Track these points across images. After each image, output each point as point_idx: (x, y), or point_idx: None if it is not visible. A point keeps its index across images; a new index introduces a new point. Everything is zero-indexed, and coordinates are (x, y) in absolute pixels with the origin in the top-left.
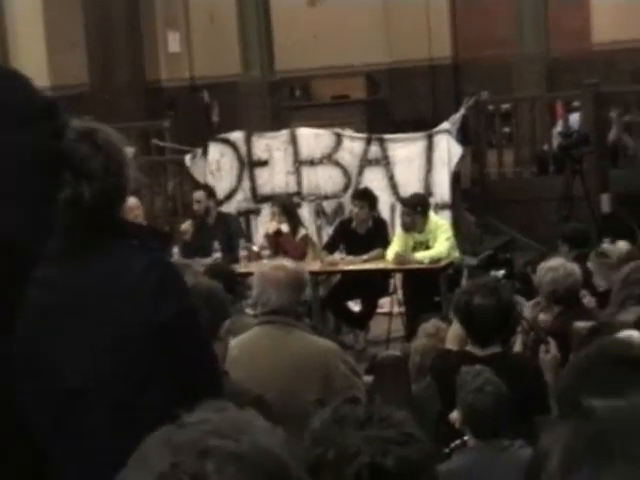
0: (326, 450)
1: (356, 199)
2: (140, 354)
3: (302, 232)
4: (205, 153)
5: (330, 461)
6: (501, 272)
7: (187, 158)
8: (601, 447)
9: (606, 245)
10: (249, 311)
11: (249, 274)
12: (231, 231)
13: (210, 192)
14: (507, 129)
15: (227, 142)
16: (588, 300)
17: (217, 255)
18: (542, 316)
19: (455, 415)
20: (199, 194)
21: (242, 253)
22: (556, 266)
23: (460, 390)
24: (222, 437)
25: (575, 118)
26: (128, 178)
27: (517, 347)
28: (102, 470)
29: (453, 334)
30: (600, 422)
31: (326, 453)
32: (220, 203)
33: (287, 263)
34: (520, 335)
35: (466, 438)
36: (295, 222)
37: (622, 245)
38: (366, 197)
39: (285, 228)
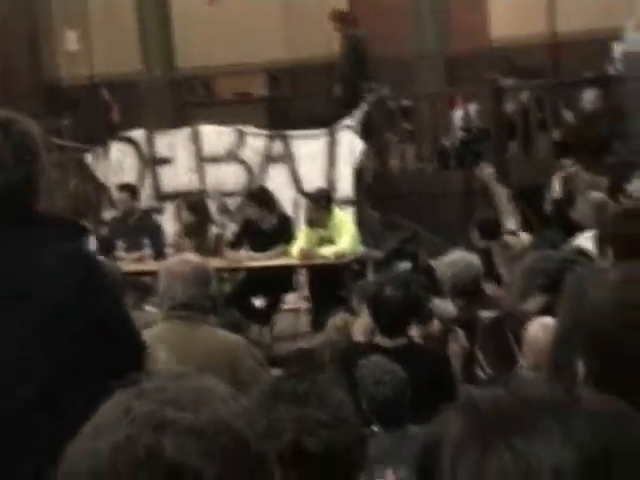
0: None
1: (247, 199)
2: (64, 345)
3: (214, 230)
4: (107, 152)
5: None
6: (407, 265)
7: (89, 157)
8: (484, 437)
9: (508, 237)
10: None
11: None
12: (154, 229)
13: (133, 192)
14: (408, 125)
15: (129, 141)
16: (493, 291)
17: (148, 251)
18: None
19: None
20: (123, 196)
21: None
22: (456, 260)
23: (361, 382)
24: (181, 409)
25: (474, 107)
26: (42, 169)
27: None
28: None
29: (360, 326)
30: (484, 413)
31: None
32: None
33: (192, 257)
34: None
35: (374, 427)
36: (205, 219)
37: (524, 237)
38: (256, 197)
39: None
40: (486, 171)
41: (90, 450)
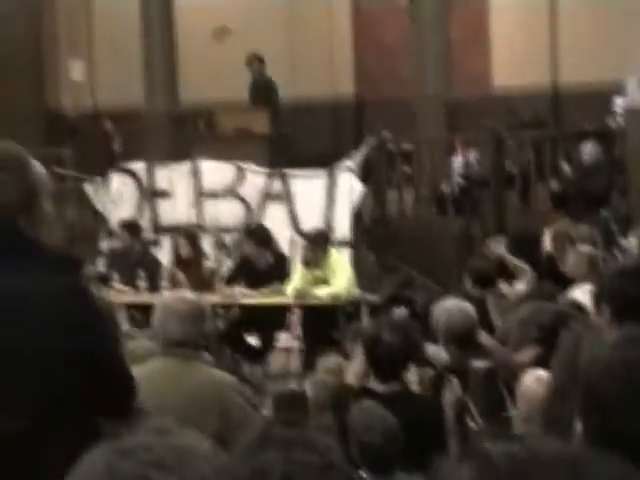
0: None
1: (245, 236)
2: (56, 381)
3: (209, 265)
4: (106, 182)
5: (245, 477)
6: (403, 310)
7: (88, 187)
8: None
9: (503, 286)
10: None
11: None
12: (151, 262)
13: (134, 229)
14: (407, 169)
15: (129, 172)
16: (485, 339)
17: (143, 284)
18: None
19: None
20: (124, 233)
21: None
22: (451, 307)
23: (351, 427)
24: (164, 470)
25: (474, 155)
26: (40, 200)
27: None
28: None
29: (354, 369)
30: (498, 467)
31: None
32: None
33: (188, 294)
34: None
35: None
36: (200, 254)
37: (519, 286)
38: (254, 235)
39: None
40: (498, 247)
41: None
